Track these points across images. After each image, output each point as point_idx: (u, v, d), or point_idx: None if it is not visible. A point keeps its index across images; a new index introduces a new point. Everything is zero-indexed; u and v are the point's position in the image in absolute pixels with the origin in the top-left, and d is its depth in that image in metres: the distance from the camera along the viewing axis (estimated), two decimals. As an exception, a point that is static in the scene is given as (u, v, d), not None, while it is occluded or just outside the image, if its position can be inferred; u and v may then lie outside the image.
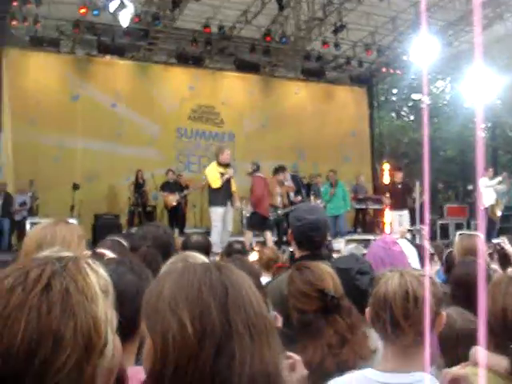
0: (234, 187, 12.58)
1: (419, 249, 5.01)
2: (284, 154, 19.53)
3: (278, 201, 13.49)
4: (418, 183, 14.38)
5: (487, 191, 15.44)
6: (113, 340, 1.24)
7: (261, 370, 1.33)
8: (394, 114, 32.88)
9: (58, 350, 1.11)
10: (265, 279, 4.56)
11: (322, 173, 17.92)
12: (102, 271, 1.29)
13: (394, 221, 15.61)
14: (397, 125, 32.24)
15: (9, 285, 1.16)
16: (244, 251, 6.03)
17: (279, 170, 13.70)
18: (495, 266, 4.98)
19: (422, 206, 13.63)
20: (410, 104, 33.38)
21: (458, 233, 4.72)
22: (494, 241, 7.26)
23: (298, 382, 2.09)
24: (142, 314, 1.40)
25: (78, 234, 2.82)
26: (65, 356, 1.11)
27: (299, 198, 14.55)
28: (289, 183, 14.49)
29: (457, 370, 2.18)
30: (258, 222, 12.78)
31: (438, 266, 5.70)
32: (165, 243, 3.82)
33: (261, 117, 20.88)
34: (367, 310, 2.32)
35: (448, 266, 5.65)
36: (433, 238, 17.11)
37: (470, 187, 17.38)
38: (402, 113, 34.22)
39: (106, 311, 1.22)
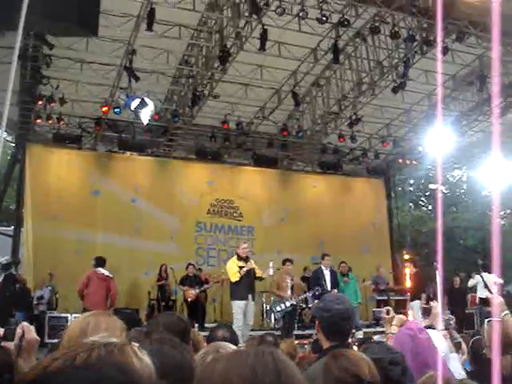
0: (259, 273, 12.65)
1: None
2: (303, 247, 19.67)
3: (289, 293, 13.51)
4: (437, 272, 14.24)
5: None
6: None
7: None
8: (411, 205, 32.96)
9: None
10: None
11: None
12: (146, 358, 1.33)
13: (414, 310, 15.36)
14: (415, 215, 32.27)
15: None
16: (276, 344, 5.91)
17: (287, 260, 13.98)
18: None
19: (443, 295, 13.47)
20: (428, 193, 33.48)
21: (487, 320, 4.59)
22: None
23: None
24: None
25: (120, 324, 2.86)
26: None
27: (335, 291, 14.10)
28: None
29: None
30: None
31: (465, 356, 5.63)
32: (180, 330, 3.73)
33: (279, 210, 21.01)
34: None
35: (474, 354, 5.50)
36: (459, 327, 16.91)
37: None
38: (420, 203, 34.29)
39: None
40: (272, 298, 13.58)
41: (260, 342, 5.93)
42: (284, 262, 14.00)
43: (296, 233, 20.29)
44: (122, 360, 1.23)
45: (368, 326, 16.83)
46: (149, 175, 19.72)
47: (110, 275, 13.23)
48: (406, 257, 19.56)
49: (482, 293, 15.64)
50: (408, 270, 15.64)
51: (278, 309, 13.50)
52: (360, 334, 13.93)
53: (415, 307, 14.82)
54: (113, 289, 13.02)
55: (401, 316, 5.70)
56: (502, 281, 14.95)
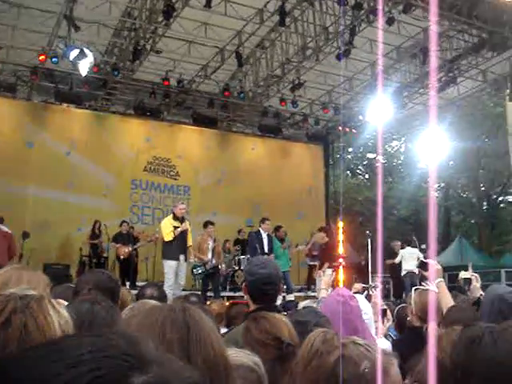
0: (190, 241, 12.71)
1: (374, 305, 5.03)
2: (239, 209, 19.82)
3: (209, 256, 13.65)
4: (369, 240, 14.70)
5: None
6: None
7: None
8: (348, 172, 33.38)
9: None
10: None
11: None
12: (64, 311, 1.31)
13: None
14: (352, 183, 32.63)
15: None
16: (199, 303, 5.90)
17: (209, 223, 13.99)
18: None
19: (372, 264, 13.85)
20: (365, 163, 33.89)
21: (414, 288, 4.71)
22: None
23: None
24: None
25: (43, 279, 2.85)
26: None
27: (272, 256, 14.15)
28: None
29: None
30: None
31: (390, 322, 5.78)
32: (109, 289, 3.74)
33: (217, 171, 21.00)
34: None
35: (399, 321, 5.80)
36: (386, 296, 17.19)
37: (423, 246, 17.60)
38: (357, 171, 34.74)
39: None
40: (192, 260, 13.54)
41: (183, 302, 5.84)
42: (206, 224, 13.97)
43: (232, 195, 20.37)
44: (39, 313, 1.22)
45: (299, 291, 16.98)
46: (85, 129, 19.24)
47: (9, 231, 13.22)
48: (341, 224, 19.89)
49: (407, 266, 16.17)
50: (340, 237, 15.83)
51: (200, 271, 13.76)
52: (291, 297, 14.25)
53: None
54: (12, 244, 13.05)
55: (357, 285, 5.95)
56: (421, 256, 15.57)
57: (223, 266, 15.63)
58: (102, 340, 0.79)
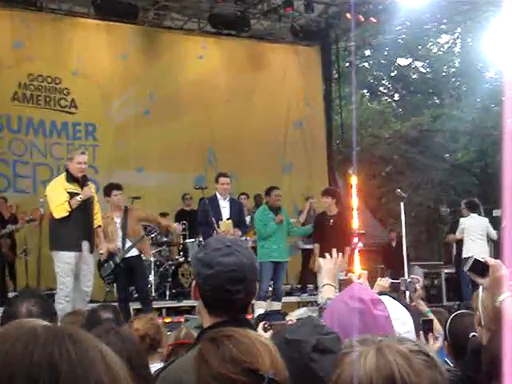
0: (98, 219, 12.88)
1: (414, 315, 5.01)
2: (181, 160, 20.18)
3: (118, 243, 13.86)
4: (402, 205, 14.66)
5: None
6: None
7: None
8: (365, 92, 33.04)
9: None
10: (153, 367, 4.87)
11: (246, 191, 18.52)
12: None
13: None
14: (372, 109, 32.30)
15: None
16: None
17: (113, 188, 14.12)
18: None
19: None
20: (394, 74, 33.63)
21: (482, 286, 4.49)
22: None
23: None
24: None
25: None
26: None
27: (239, 232, 14.61)
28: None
29: None
30: None
31: (440, 342, 5.73)
32: None
33: (141, 97, 21.03)
34: None
35: (455, 339, 5.77)
36: (435, 298, 17.78)
37: (497, 213, 17.63)
38: (381, 89, 34.49)
39: None
40: (103, 251, 13.46)
41: (90, 321, 6.27)
42: (108, 189, 14.10)
43: (168, 136, 20.47)
44: None
45: (289, 293, 17.76)
46: None
47: None
48: (354, 179, 19.62)
49: (471, 247, 16.32)
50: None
51: (108, 271, 13.85)
52: (278, 306, 14.82)
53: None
54: None
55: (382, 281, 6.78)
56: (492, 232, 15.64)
57: (155, 253, 16.23)
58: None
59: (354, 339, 2.33)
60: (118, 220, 13.89)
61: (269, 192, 15.84)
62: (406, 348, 2.22)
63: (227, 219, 14.09)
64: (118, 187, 14.07)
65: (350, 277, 6.33)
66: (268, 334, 4.32)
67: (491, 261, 4.18)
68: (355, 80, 27.90)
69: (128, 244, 13.81)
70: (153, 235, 15.94)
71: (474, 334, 4.74)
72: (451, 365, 5.57)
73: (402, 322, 4.25)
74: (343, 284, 5.77)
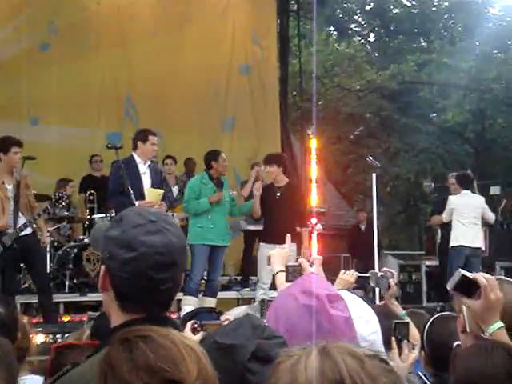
0: None
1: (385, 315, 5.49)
2: (88, 112, 20.46)
3: (10, 219, 13.51)
4: (374, 177, 15.97)
5: None
6: None
7: None
8: (332, 30, 33.23)
9: None
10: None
11: (173, 154, 19.00)
12: None
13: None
14: (340, 52, 32.58)
15: None
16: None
17: (13, 142, 13.73)
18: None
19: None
20: (369, 7, 33.80)
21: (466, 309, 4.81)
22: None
23: None
24: None
25: None
26: None
27: (164, 206, 14.52)
28: None
29: None
30: None
31: (416, 351, 5.90)
32: None
33: (37, 26, 20.77)
34: None
35: (433, 348, 5.89)
36: (412, 297, 19.35)
37: (495, 190, 17.83)
38: (352, 26, 34.69)
39: None
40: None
41: None
42: (4, 144, 13.71)
43: (72, 79, 20.33)
44: None
45: (226, 287, 18.82)
46: None
47: None
48: (314, 143, 20.64)
49: (460, 233, 17.56)
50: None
51: None
52: (212, 303, 15.45)
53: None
54: None
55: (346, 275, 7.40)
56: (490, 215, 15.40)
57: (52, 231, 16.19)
58: None
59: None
60: (9, 187, 13.59)
61: (215, 157, 16.07)
62: (359, 350, 2.31)
63: (153, 188, 13.80)
64: (20, 144, 13.70)
65: (300, 262, 6.67)
66: (197, 337, 4.76)
67: (482, 279, 4.22)
68: (318, 14, 28.33)
69: (22, 221, 13.54)
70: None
71: (458, 342, 4.79)
72: (428, 382, 5.67)
73: (365, 321, 4.56)
74: (292, 273, 6.20)
